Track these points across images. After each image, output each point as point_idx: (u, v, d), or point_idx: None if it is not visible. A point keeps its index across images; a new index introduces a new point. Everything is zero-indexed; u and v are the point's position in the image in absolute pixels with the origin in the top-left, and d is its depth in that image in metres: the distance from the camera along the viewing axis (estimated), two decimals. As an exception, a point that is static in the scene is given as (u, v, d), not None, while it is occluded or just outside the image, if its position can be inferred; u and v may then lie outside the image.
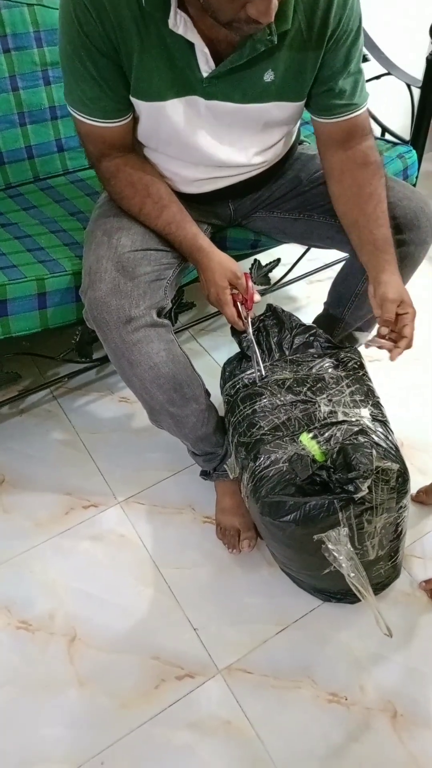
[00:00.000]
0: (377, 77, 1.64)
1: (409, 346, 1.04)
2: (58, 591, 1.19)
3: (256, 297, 1.08)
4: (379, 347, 1.05)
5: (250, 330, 1.11)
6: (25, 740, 1.01)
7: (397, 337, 1.04)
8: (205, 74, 0.95)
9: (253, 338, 1.13)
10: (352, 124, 1.06)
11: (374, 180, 1.08)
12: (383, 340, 1.04)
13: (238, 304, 1.09)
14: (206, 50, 0.92)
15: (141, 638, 1.12)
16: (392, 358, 1.04)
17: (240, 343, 1.18)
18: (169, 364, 1.06)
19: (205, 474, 1.29)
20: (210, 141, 1.05)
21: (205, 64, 0.94)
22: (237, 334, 1.17)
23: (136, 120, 1.04)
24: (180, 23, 0.89)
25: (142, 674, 1.08)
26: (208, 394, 1.18)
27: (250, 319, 1.10)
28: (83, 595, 1.18)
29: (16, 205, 1.41)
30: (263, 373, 1.14)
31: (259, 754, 0.99)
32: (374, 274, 1.06)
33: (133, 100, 1.00)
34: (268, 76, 0.98)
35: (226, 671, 1.08)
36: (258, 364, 1.14)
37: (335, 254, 1.73)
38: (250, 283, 1.07)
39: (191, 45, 0.92)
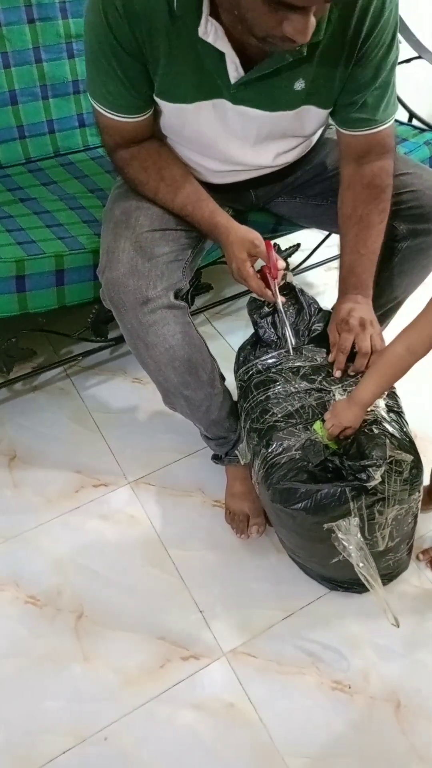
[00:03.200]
0: (407, 60, 1.61)
1: (366, 356, 1.06)
2: (67, 568, 1.20)
3: (280, 264, 1.05)
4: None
5: (279, 301, 1.07)
6: (30, 711, 1.02)
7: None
8: (233, 81, 0.93)
9: (282, 308, 1.09)
10: (371, 140, 1.04)
11: (370, 204, 1.06)
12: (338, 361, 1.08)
13: (267, 276, 1.05)
14: (236, 59, 0.90)
15: (147, 618, 1.13)
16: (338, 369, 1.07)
17: (255, 323, 1.15)
18: (185, 347, 1.05)
19: (216, 458, 1.29)
20: (234, 144, 1.04)
21: (234, 71, 0.92)
22: (255, 311, 1.14)
23: (158, 113, 1.03)
24: (210, 31, 0.87)
25: (148, 653, 1.09)
26: (222, 378, 1.18)
27: (277, 289, 1.06)
28: (91, 573, 1.19)
29: (35, 179, 1.40)
30: (293, 344, 1.11)
31: (261, 737, 1.00)
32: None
33: (158, 100, 0.98)
34: (299, 85, 0.96)
35: (231, 654, 1.09)
36: (288, 336, 1.10)
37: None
38: (273, 252, 1.04)
39: (221, 52, 0.89)
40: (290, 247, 1.53)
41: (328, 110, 1.03)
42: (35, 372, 1.51)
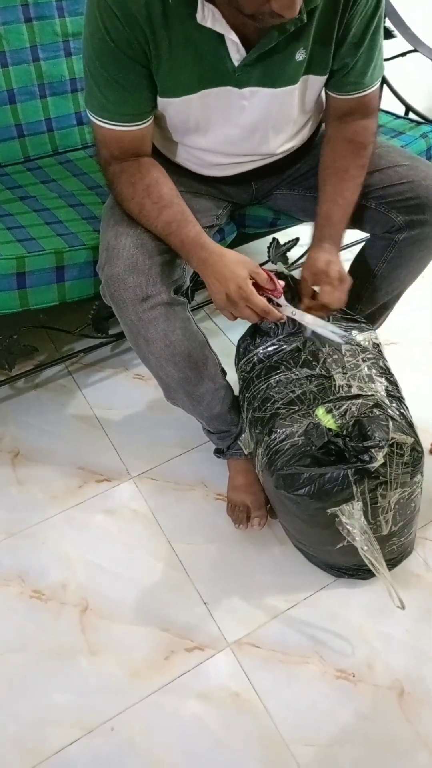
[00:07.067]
0: (403, 54, 1.61)
1: (333, 307, 1.07)
2: (71, 562, 1.20)
3: (282, 283, 1.04)
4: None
5: (292, 311, 1.05)
6: (38, 704, 1.03)
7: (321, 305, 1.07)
8: (236, 63, 0.93)
9: (302, 312, 1.06)
10: (357, 102, 1.07)
11: (349, 158, 1.08)
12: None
13: (271, 299, 1.02)
14: (236, 39, 0.90)
15: (152, 610, 1.14)
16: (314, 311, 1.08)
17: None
18: (185, 343, 1.06)
19: (219, 452, 1.29)
20: (239, 132, 1.04)
21: (236, 53, 0.92)
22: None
23: (158, 118, 1.03)
24: (208, 16, 0.88)
25: (153, 645, 1.09)
26: (224, 372, 1.18)
27: (286, 304, 1.04)
28: (95, 568, 1.20)
29: (34, 178, 1.41)
30: (344, 339, 1.09)
31: (266, 726, 1.01)
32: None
33: (164, 100, 0.98)
34: (300, 55, 0.96)
35: (236, 645, 1.10)
36: (334, 336, 1.07)
37: (353, 235, 1.71)
38: (271, 274, 1.02)
39: (220, 36, 0.90)
40: (289, 242, 1.53)
41: (325, 77, 1.04)
42: (37, 369, 1.52)
